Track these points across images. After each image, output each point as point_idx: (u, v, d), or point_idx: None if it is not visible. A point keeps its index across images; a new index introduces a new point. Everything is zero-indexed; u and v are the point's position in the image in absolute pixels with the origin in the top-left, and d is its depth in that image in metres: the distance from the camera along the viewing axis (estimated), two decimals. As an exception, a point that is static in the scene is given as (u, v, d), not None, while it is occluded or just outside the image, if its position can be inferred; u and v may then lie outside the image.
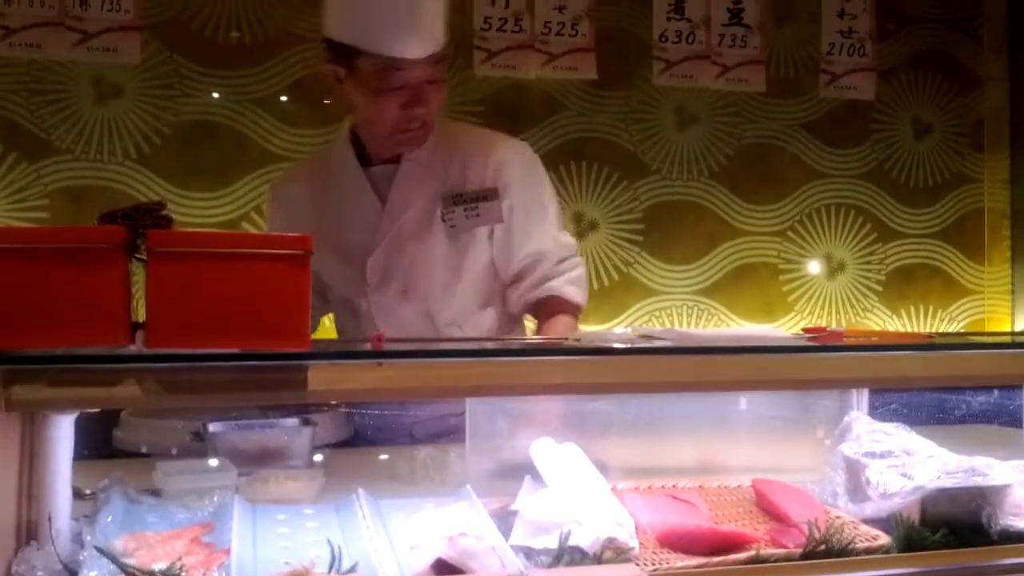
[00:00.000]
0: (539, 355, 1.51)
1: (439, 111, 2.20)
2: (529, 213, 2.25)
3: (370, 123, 2.21)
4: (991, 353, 1.74)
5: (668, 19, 3.95)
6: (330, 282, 2.33)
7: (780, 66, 4.17)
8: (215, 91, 3.58)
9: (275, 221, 2.42)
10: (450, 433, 1.91)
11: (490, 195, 2.19)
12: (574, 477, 1.57)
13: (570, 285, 2.25)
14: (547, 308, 2.25)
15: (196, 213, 3.54)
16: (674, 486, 1.75)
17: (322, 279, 2.30)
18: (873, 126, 4.32)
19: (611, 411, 1.80)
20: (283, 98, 3.64)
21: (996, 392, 2.13)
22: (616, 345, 1.58)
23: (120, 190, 3.46)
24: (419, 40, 2.02)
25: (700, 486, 1.77)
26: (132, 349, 1.24)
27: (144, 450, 1.90)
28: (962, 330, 4.36)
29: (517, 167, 2.27)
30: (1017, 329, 4.37)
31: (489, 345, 1.87)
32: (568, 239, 2.31)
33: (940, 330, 4.34)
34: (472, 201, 2.19)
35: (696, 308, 4.08)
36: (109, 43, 3.40)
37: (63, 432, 1.40)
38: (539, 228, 2.25)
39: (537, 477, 1.59)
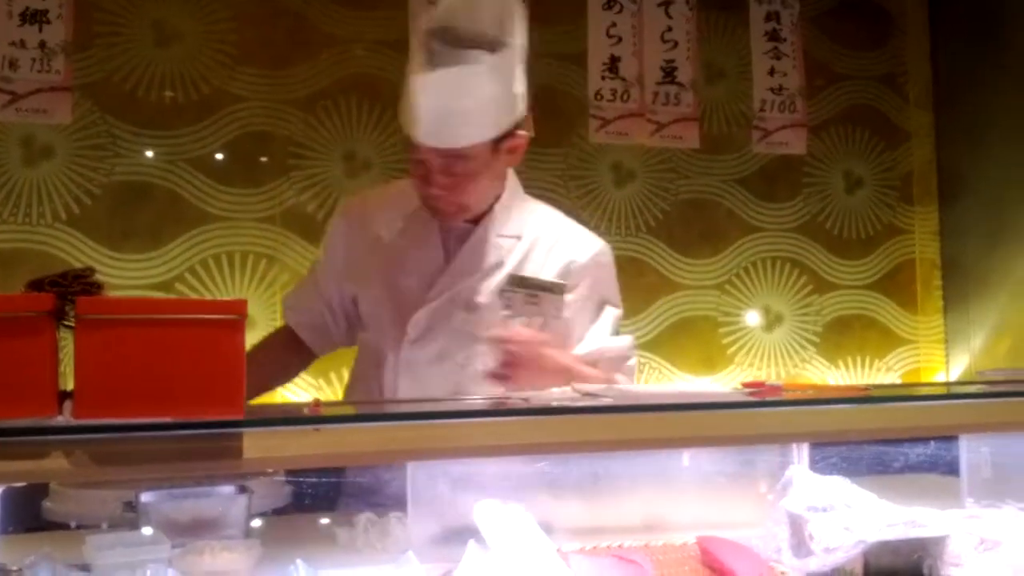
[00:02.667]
0: (479, 416, 1.49)
1: (474, 196, 2.18)
2: (592, 314, 2.24)
3: None
4: (926, 405, 1.75)
5: (603, 78, 4.01)
6: (368, 321, 2.30)
7: (713, 123, 4.24)
8: (148, 151, 3.54)
9: (334, 239, 2.39)
10: (391, 498, 1.88)
11: (556, 289, 2.10)
12: (519, 540, 1.55)
13: (619, 373, 2.22)
14: None
15: (129, 275, 3.48)
16: (620, 546, 1.74)
17: (361, 315, 2.30)
18: (805, 180, 4.40)
19: (555, 471, 1.78)
20: (218, 156, 3.61)
21: (933, 442, 2.16)
22: (558, 404, 1.57)
23: (50, 253, 3.39)
24: (426, 131, 2.02)
25: (646, 545, 1.76)
26: (60, 420, 1.20)
27: (73, 524, 1.84)
28: (898, 380, 4.43)
29: (591, 271, 2.25)
30: (952, 379, 4.45)
31: (428, 407, 1.84)
32: (624, 342, 2.28)
33: (877, 380, 4.40)
34: (535, 289, 2.09)
35: (637, 362, 4.08)
36: (39, 104, 3.36)
37: (-13, 507, 1.35)
38: (599, 330, 2.24)
39: (481, 541, 1.56)
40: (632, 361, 2.30)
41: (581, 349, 2.21)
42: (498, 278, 2.18)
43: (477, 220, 2.23)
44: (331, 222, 2.47)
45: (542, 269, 2.22)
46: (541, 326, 2.14)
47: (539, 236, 2.28)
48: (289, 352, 2.43)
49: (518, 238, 2.25)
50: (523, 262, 2.23)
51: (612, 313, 2.29)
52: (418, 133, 2.04)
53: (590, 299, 2.25)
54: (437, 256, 2.23)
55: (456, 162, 2.08)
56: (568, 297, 2.12)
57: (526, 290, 2.08)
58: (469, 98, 2.02)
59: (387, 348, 2.23)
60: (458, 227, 2.23)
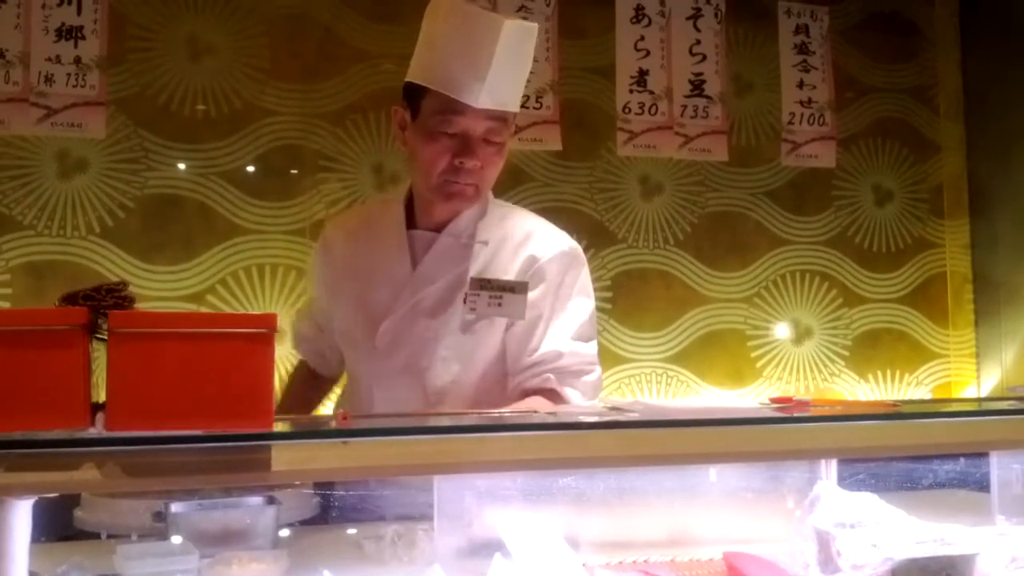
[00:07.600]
0: (507, 431, 1.49)
1: (491, 178, 2.18)
2: (553, 314, 2.17)
3: (423, 172, 2.14)
4: (956, 421, 1.74)
5: (631, 91, 4.01)
6: (341, 339, 2.32)
7: (742, 135, 4.24)
8: (180, 164, 3.58)
9: (316, 265, 2.43)
10: (418, 510, 1.88)
11: (517, 288, 2.06)
12: (545, 554, 1.55)
13: (571, 387, 2.14)
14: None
15: (161, 287, 3.51)
16: (646, 561, 1.73)
17: (336, 333, 2.32)
18: (835, 193, 4.38)
19: (582, 485, 1.78)
20: (249, 169, 3.64)
21: (963, 459, 2.14)
22: (585, 419, 1.57)
23: (83, 265, 3.43)
24: (486, 91, 1.99)
25: (672, 560, 1.75)
26: (92, 432, 1.21)
27: (104, 533, 1.85)
28: (929, 395, 4.39)
29: (555, 265, 2.19)
30: (983, 394, 4.40)
31: (456, 421, 1.85)
32: (586, 350, 2.19)
33: (907, 394, 4.36)
34: (498, 290, 2.06)
35: (665, 375, 4.08)
36: (74, 119, 3.40)
37: (21, 516, 1.36)
38: (560, 331, 2.17)
39: (507, 555, 1.56)
40: (591, 376, 2.19)
41: (535, 354, 2.15)
42: (461, 281, 2.14)
43: (441, 227, 2.20)
44: (315, 248, 2.48)
45: (507, 270, 2.17)
46: (506, 327, 2.15)
47: (506, 238, 2.22)
48: (307, 387, 2.50)
49: (485, 243, 2.20)
50: (488, 266, 2.18)
51: (582, 308, 2.21)
52: (474, 95, 2.00)
53: (551, 294, 2.18)
54: (404, 267, 2.20)
55: (499, 130, 2.06)
56: (532, 295, 2.10)
57: (489, 292, 2.06)
58: (522, 57, 2.00)
59: (360, 362, 2.27)
60: (426, 237, 2.21)
